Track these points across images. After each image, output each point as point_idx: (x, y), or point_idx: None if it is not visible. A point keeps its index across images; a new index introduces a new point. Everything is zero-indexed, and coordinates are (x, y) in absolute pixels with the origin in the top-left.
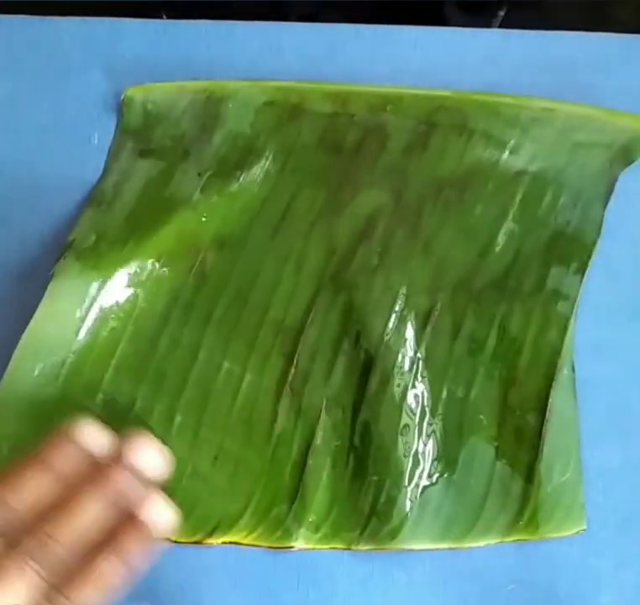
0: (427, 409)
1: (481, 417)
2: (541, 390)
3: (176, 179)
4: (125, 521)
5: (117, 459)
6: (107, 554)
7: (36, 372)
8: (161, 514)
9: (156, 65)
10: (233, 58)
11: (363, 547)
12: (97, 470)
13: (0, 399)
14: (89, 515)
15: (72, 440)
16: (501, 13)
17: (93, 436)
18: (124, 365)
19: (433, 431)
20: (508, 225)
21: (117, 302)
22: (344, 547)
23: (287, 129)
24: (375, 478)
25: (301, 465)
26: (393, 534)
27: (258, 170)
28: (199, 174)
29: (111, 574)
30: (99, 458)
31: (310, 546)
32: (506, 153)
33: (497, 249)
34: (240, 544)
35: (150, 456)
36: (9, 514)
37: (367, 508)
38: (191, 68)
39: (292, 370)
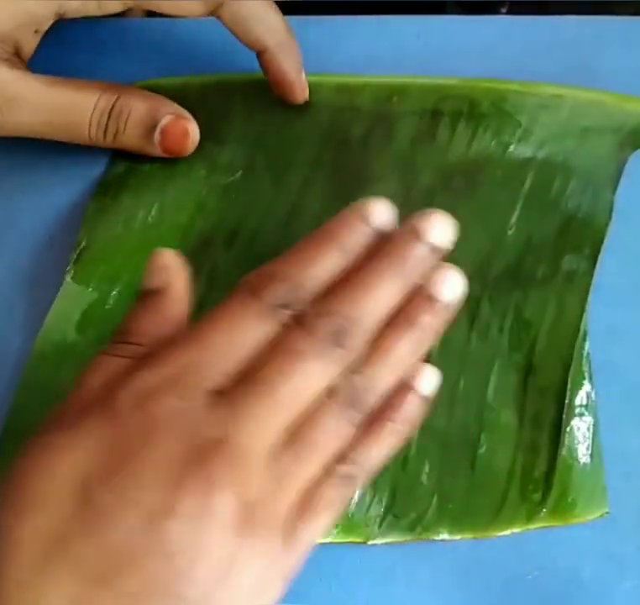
0: (444, 400)
1: (500, 405)
2: (559, 375)
3: (182, 175)
4: (419, 298)
5: (409, 234)
6: (404, 332)
7: (52, 377)
8: (454, 287)
9: (161, 61)
10: (237, 54)
11: (381, 540)
12: (390, 243)
13: (17, 403)
14: (384, 294)
15: (364, 218)
16: (503, 11)
17: (384, 214)
18: None
19: (451, 422)
20: (519, 212)
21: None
22: (362, 541)
23: (294, 124)
24: (392, 470)
25: None
26: (411, 527)
27: (266, 166)
28: (206, 170)
29: (407, 352)
30: (390, 234)
31: (328, 540)
32: (515, 140)
33: (509, 236)
34: None
35: (443, 229)
36: (304, 294)
37: (384, 501)
38: (195, 64)
39: None
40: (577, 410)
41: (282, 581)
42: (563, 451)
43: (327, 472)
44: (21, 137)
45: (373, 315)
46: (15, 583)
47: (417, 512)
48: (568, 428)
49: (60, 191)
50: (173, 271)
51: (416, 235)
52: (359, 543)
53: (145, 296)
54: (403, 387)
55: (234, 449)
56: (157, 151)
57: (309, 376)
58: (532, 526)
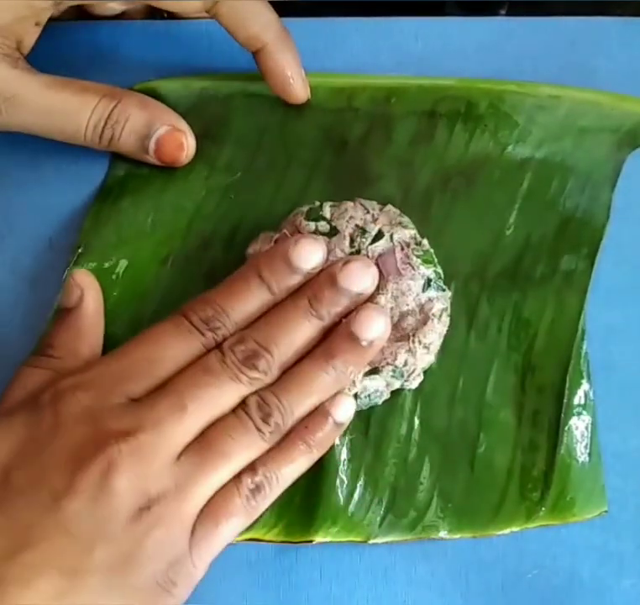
0: (443, 399)
1: (499, 405)
2: (557, 375)
3: (182, 177)
4: (339, 333)
5: (328, 279)
6: (320, 362)
7: None
8: (372, 327)
9: (160, 63)
10: (236, 55)
11: (382, 540)
12: (307, 285)
13: None
14: (300, 328)
15: (288, 258)
16: (502, 12)
17: (310, 256)
18: None
19: (451, 421)
20: (517, 212)
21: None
22: (363, 540)
23: (293, 125)
24: (393, 470)
25: (318, 460)
26: (411, 526)
27: (265, 167)
28: (205, 171)
29: (323, 380)
30: (311, 274)
31: (328, 540)
32: (513, 140)
33: (507, 236)
34: (261, 540)
35: (360, 277)
36: (225, 320)
37: (385, 501)
38: (194, 66)
39: None
40: (575, 409)
41: (187, 579)
42: (562, 450)
43: (236, 481)
44: (21, 137)
45: (287, 344)
46: None
47: (417, 511)
48: (566, 428)
49: (60, 192)
50: (86, 289)
51: (333, 281)
52: (360, 542)
53: (62, 313)
54: (319, 412)
55: (138, 443)
56: (151, 160)
57: (218, 390)
58: (531, 525)
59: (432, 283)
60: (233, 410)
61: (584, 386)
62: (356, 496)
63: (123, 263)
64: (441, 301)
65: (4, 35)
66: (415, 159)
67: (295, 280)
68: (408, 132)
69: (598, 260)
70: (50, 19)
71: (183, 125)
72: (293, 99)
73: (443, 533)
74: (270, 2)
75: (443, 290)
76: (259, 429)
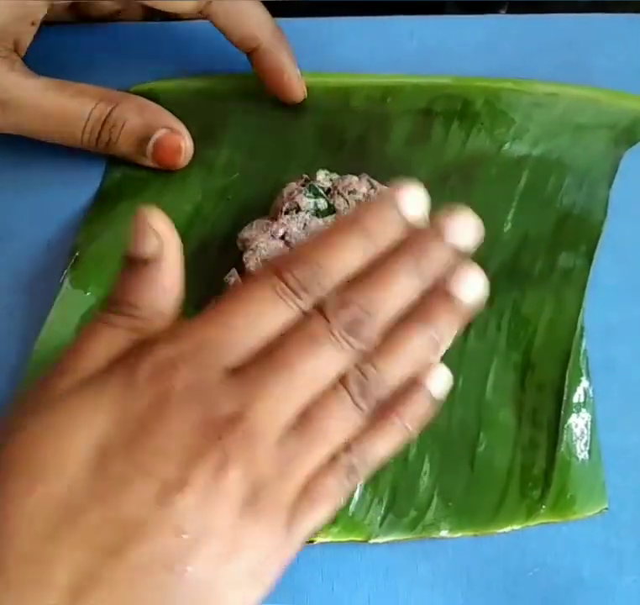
0: (443, 399)
1: (498, 403)
2: (557, 372)
3: (179, 179)
4: (437, 295)
5: (434, 233)
6: (419, 327)
7: None
8: (474, 288)
9: (156, 65)
10: (231, 57)
11: (382, 539)
12: (414, 239)
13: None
14: (403, 289)
15: (394, 206)
16: (502, 12)
17: (416, 203)
18: None
19: (450, 420)
20: (515, 210)
21: None
22: (364, 540)
23: (290, 125)
24: (393, 470)
25: None
26: (412, 525)
27: (262, 168)
28: (202, 173)
29: (421, 347)
30: (417, 227)
31: (329, 540)
32: (509, 138)
33: (506, 234)
34: None
35: (468, 230)
36: (325, 280)
37: (385, 500)
38: (190, 67)
39: None
40: (575, 407)
41: (279, 567)
42: (562, 448)
43: (332, 461)
44: (18, 140)
45: (390, 309)
46: (24, 554)
47: (418, 510)
48: (566, 425)
49: (57, 195)
50: (166, 239)
51: (439, 235)
52: (361, 542)
53: (138, 264)
54: (415, 385)
55: (248, 426)
56: (149, 163)
57: (324, 361)
58: (531, 523)
59: None
60: (333, 385)
61: (584, 383)
62: (356, 495)
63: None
64: None
65: (2, 37)
66: (412, 157)
67: (399, 232)
68: (405, 130)
69: (596, 257)
70: (47, 23)
71: (181, 128)
72: (290, 99)
73: (443, 532)
74: (265, 3)
75: None
76: (357, 405)
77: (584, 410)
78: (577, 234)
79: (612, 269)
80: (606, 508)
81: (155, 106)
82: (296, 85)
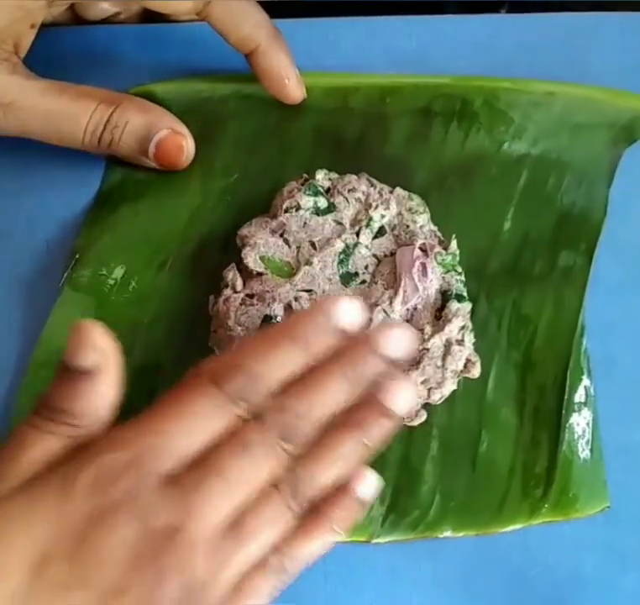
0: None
1: (500, 402)
2: (557, 371)
3: (178, 180)
4: (369, 404)
5: (366, 345)
6: (351, 433)
7: None
8: (403, 399)
9: (155, 66)
10: (230, 58)
11: (385, 539)
12: (347, 349)
13: (17, 409)
14: (335, 396)
15: (329, 318)
16: (503, 12)
17: (351, 314)
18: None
19: (452, 419)
20: (514, 209)
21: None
22: (366, 540)
23: (289, 126)
24: (394, 470)
25: None
26: (414, 525)
27: (261, 168)
28: (201, 174)
29: (352, 452)
30: (349, 337)
31: None
32: (508, 137)
33: (505, 233)
34: None
35: (401, 342)
36: (261, 388)
37: (387, 500)
38: (189, 68)
39: None
40: (576, 405)
41: None
42: (564, 447)
43: (263, 562)
44: (18, 142)
45: (322, 415)
46: None
47: (420, 510)
48: (567, 424)
49: (57, 197)
50: (107, 354)
51: (372, 345)
52: (363, 542)
53: (75, 374)
54: (344, 489)
55: (183, 537)
56: (151, 164)
57: (257, 467)
58: (534, 521)
59: (452, 294)
60: (267, 488)
61: (585, 382)
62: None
63: (121, 268)
64: (460, 317)
65: (0, 39)
66: (411, 157)
67: (332, 341)
68: (404, 131)
69: (596, 255)
70: (46, 25)
71: (182, 128)
72: (289, 99)
73: (446, 532)
74: (263, 3)
75: (465, 300)
76: (288, 507)
77: (585, 408)
78: (577, 232)
79: (612, 267)
80: (608, 506)
81: (156, 107)
82: (295, 86)
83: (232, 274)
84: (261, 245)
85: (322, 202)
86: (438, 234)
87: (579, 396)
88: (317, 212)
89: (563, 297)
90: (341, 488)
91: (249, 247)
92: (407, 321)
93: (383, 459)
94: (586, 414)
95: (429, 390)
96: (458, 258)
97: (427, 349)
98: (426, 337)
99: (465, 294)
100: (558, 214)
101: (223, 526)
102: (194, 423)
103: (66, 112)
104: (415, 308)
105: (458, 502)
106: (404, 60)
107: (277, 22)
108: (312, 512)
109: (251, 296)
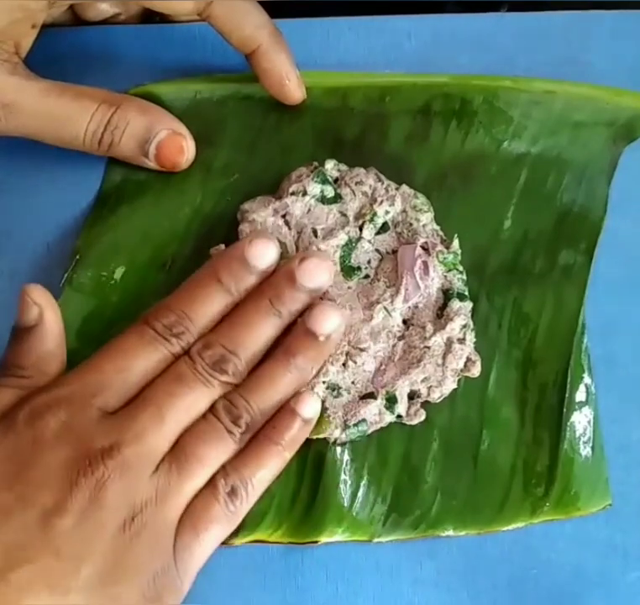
0: (445, 397)
1: (501, 401)
2: (558, 369)
3: (178, 181)
4: (296, 331)
5: (285, 277)
6: (282, 360)
7: None
8: (328, 321)
9: (155, 66)
10: (230, 58)
11: (386, 538)
12: (268, 284)
13: None
14: (262, 328)
15: (244, 259)
16: (504, 11)
17: (266, 253)
18: None
19: (453, 418)
20: (514, 207)
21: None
22: (367, 539)
23: (288, 126)
24: (396, 469)
25: (321, 461)
26: (416, 524)
27: (261, 168)
28: (201, 174)
29: (286, 378)
30: (267, 272)
31: (333, 540)
32: (508, 136)
33: (505, 232)
34: (266, 542)
35: (318, 271)
36: (190, 326)
37: (388, 499)
38: (189, 69)
39: None
40: (577, 404)
41: (173, 594)
42: (565, 445)
43: (212, 487)
44: (19, 143)
45: (251, 346)
46: None
47: (421, 509)
48: (569, 422)
49: (57, 198)
50: (44, 307)
51: (291, 278)
52: (364, 541)
53: (22, 331)
54: (286, 410)
55: (122, 459)
56: (151, 165)
57: (193, 397)
58: (535, 520)
59: (454, 293)
60: (204, 415)
61: (586, 380)
62: (360, 495)
63: (122, 269)
64: (461, 316)
65: (1, 40)
66: (411, 156)
67: (252, 280)
68: (403, 130)
69: (596, 253)
70: (46, 25)
71: (183, 129)
72: (289, 100)
73: (447, 531)
74: (263, 3)
75: (467, 299)
76: (229, 431)
77: (586, 407)
78: (577, 230)
79: (612, 264)
80: (610, 504)
81: (157, 107)
82: (296, 86)
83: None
84: (259, 223)
85: (329, 191)
86: (440, 233)
87: (580, 394)
88: (323, 200)
89: (563, 296)
90: (284, 411)
91: (247, 223)
92: (409, 319)
93: (384, 458)
94: (587, 412)
95: (429, 388)
96: (459, 257)
97: (428, 348)
98: (427, 335)
99: (467, 293)
100: (558, 213)
101: (163, 453)
102: (128, 360)
103: (67, 112)
104: (416, 307)
105: (459, 501)
106: (404, 60)
107: (277, 22)
108: (257, 435)
109: None
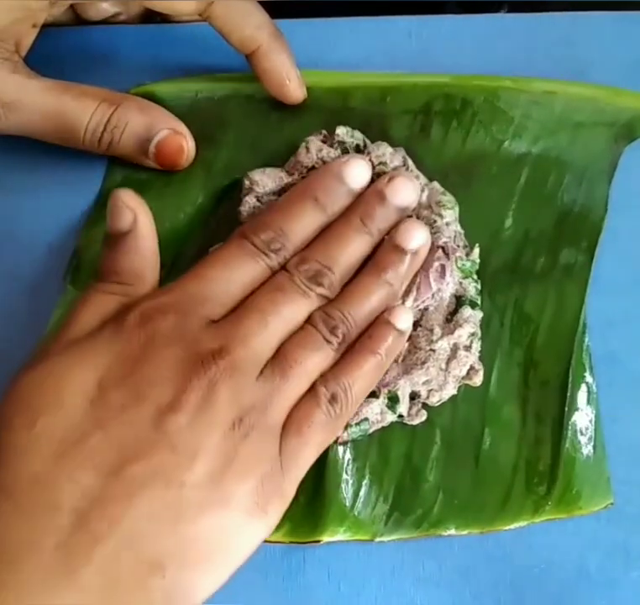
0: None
1: (502, 400)
2: (560, 369)
3: (179, 181)
4: (385, 247)
5: (375, 195)
6: (373, 274)
7: None
8: (418, 237)
9: (156, 66)
10: (231, 58)
11: (388, 537)
12: (359, 203)
13: None
14: (354, 244)
15: (340, 179)
16: (503, 12)
17: (360, 174)
18: None
19: (455, 417)
20: (515, 207)
21: None
22: (369, 538)
23: (289, 126)
24: (397, 468)
25: (323, 460)
26: (418, 523)
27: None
28: (202, 174)
29: (377, 290)
30: (358, 193)
31: (335, 539)
32: (509, 136)
33: (506, 232)
34: (268, 541)
35: (406, 191)
36: (286, 242)
37: (390, 498)
38: (190, 68)
39: None
40: (579, 403)
41: (278, 498)
42: (567, 444)
43: (311, 392)
44: (19, 142)
45: (344, 261)
46: (30, 478)
47: (423, 508)
48: (570, 421)
49: (58, 197)
50: (138, 211)
51: (381, 197)
52: (366, 541)
53: (117, 237)
54: (380, 321)
55: (231, 360)
56: (151, 164)
57: (293, 306)
58: (537, 519)
59: (466, 300)
60: (302, 326)
61: (587, 379)
62: (362, 494)
63: None
64: (471, 324)
65: (2, 38)
66: (412, 157)
67: (345, 199)
68: (404, 130)
69: (597, 253)
70: (47, 25)
71: (183, 129)
72: (290, 100)
73: (449, 530)
74: (263, 3)
75: (478, 307)
76: (327, 341)
77: (588, 405)
78: (578, 230)
79: (613, 264)
80: (612, 503)
81: (157, 107)
82: (296, 86)
83: None
84: (264, 195)
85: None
86: (463, 238)
87: (582, 393)
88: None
89: (564, 295)
90: (378, 322)
91: (254, 196)
92: (418, 320)
93: (386, 457)
94: (589, 411)
95: (429, 391)
96: (477, 266)
97: (434, 351)
98: (434, 338)
99: (479, 302)
100: (558, 212)
101: (267, 358)
102: (229, 271)
103: (67, 111)
104: (426, 309)
105: (461, 500)
106: (404, 60)
107: (278, 22)
108: (354, 347)
109: None
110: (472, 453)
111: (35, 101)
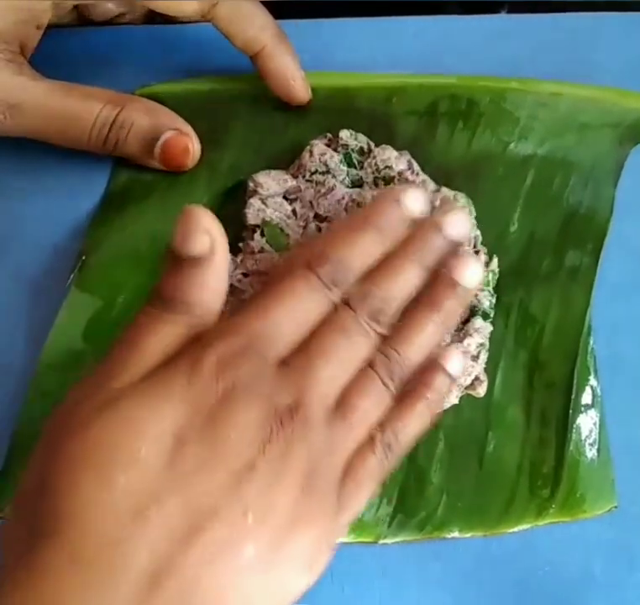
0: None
1: (507, 402)
2: (565, 371)
3: (184, 182)
4: (441, 282)
5: (432, 228)
6: (428, 312)
7: (60, 386)
8: (474, 274)
9: (160, 67)
10: (235, 59)
11: (392, 540)
12: (417, 234)
13: (25, 412)
14: (411, 277)
15: (400, 207)
16: (503, 12)
17: (418, 203)
18: None
19: (459, 419)
20: (521, 209)
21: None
22: (373, 540)
23: (294, 127)
24: (401, 470)
25: None
26: (421, 526)
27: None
28: (207, 175)
29: (432, 330)
30: (418, 222)
31: (339, 541)
32: (514, 137)
33: (512, 233)
34: None
35: (461, 223)
36: (348, 275)
37: (394, 501)
38: (195, 69)
39: None
40: (583, 405)
41: (328, 553)
42: (571, 447)
43: (369, 441)
44: (24, 143)
45: (402, 297)
46: (100, 540)
47: (427, 510)
48: (575, 424)
49: (64, 199)
50: (215, 239)
51: (437, 228)
52: (370, 543)
53: (185, 261)
54: (432, 366)
55: (304, 413)
56: (156, 165)
57: (355, 348)
58: (541, 522)
59: (479, 311)
60: (364, 369)
61: (592, 381)
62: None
63: (128, 269)
64: (481, 335)
65: (6, 40)
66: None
67: (404, 228)
68: (410, 131)
69: (603, 255)
70: (51, 26)
71: (188, 129)
72: (294, 100)
73: (453, 533)
74: (267, 4)
75: (489, 320)
76: (385, 385)
77: (592, 408)
78: (583, 232)
79: (619, 266)
80: (616, 506)
81: (162, 108)
82: (301, 87)
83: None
84: (267, 197)
85: (353, 174)
86: (480, 245)
87: (586, 396)
88: (342, 182)
89: (570, 297)
90: (429, 366)
91: (258, 198)
92: None
93: None
94: (593, 414)
95: None
96: (496, 278)
97: None
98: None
99: (492, 315)
100: (564, 214)
101: (333, 406)
102: (297, 308)
103: (72, 112)
104: None
105: (465, 502)
106: (409, 61)
107: (282, 23)
108: (407, 391)
109: (246, 275)
110: (476, 455)
111: (40, 102)
